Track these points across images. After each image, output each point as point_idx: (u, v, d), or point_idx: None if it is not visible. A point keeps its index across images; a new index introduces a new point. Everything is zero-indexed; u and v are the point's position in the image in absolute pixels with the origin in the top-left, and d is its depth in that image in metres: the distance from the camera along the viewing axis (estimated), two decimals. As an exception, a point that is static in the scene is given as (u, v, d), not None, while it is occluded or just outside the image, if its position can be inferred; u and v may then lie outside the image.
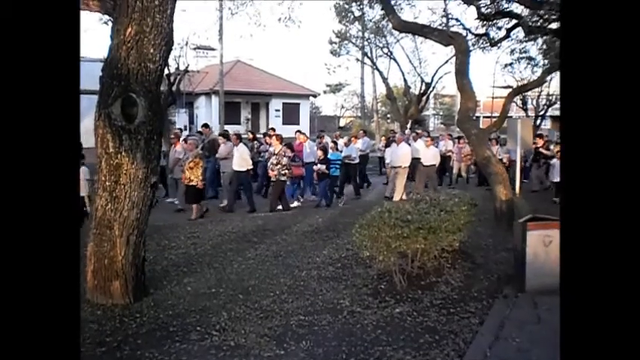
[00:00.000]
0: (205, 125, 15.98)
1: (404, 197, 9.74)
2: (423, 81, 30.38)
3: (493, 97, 37.03)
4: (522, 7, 14.28)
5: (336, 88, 50.86)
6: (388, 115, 47.45)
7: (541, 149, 15.64)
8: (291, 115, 38.41)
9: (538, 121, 35.42)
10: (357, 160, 15.42)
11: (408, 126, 26.61)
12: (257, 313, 5.82)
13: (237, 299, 6.25)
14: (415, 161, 15.22)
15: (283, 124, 34.17)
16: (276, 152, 12.60)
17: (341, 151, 15.34)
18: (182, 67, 23.21)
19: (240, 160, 12.65)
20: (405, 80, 30.50)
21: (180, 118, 30.54)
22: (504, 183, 10.48)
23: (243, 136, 15.12)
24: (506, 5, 15.40)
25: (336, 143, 15.10)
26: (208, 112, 35.91)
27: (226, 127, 26.93)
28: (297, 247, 8.78)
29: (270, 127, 18.32)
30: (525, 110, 35.90)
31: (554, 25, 14.98)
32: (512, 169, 13.86)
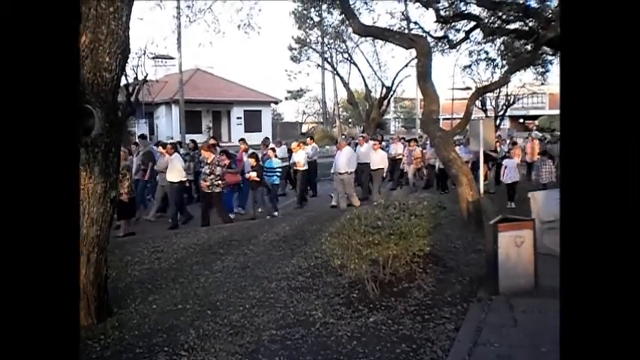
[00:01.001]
0: (142, 136, 15.64)
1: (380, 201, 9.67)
2: (383, 85, 30.51)
3: (453, 99, 37.51)
4: (481, 8, 14.41)
5: (297, 94, 50.79)
6: (350, 120, 47.60)
7: (488, 151, 15.48)
8: (252, 122, 38.18)
9: (498, 121, 36.05)
10: (305, 167, 15.05)
11: (362, 131, 26.63)
12: (227, 330, 5.62)
13: (206, 315, 6.03)
14: (363, 166, 15.00)
15: (245, 131, 33.88)
16: (209, 162, 11.95)
17: (283, 159, 15.20)
18: (140, 77, 22.77)
19: (174, 171, 12.12)
20: (365, 84, 30.59)
21: (139, 129, 29.97)
22: (470, 184, 10.48)
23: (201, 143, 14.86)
24: (464, 7, 15.55)
25: (274, 150, 14.47)
26: (169, 121, 35.42)
27: (188, 136, 26.55)
28: (264, 258, 8.59)
29: (240, 137, 17.83)
30: (485, 111, 36.45)
31: (512, 26, 15.18)
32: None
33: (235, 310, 6.19)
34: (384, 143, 20.04)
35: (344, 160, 13.84)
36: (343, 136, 21.55)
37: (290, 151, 16.13)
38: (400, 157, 17.81)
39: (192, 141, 16.72)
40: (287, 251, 8.93)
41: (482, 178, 13.63)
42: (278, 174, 13.40)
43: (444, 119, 46.44)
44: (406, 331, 5.34)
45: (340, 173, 13.85)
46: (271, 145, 15.66)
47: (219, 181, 11.73)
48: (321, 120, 50.21)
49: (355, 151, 15.38)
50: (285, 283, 7.09)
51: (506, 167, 13.98)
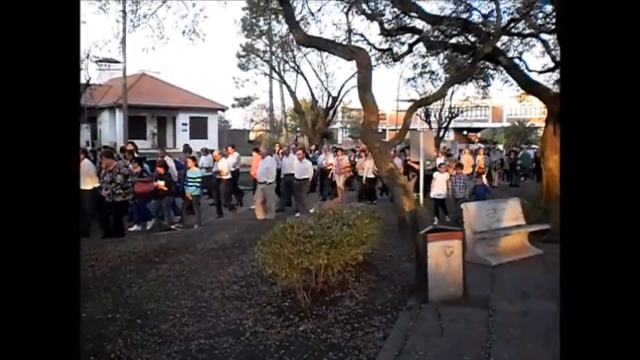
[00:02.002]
0: None
1: (311, 211, 9.68)
2: (329, 95, 30.81)
3: (398, 111, 38.13)
4: (424, 22, 14.72)
5: (244, 102, 50.52)
6: (298, 129, 47.69)
7: (410, 162, 15.70)
8: (198, 129, 37.70)
9: (441, 133, 36.84)
10: (229, 176, 14.61)
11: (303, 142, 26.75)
12: (155, 339, 5.55)
13: (135, 324, 5.93)
14: (288, 177, 14.79)
15: (191, 138, 33.42)
16: (110, 169, 11.19)
17: (206, 168, 14.97)
18: (83, 81, 22.24)
19: (84, 177, 11.06)
20: (312, 94, 30.81)
21: (82, 134, 29.19)
22: (408, 194, 10.67)
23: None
24: (408, 21, 15.85)
25: (195, 159, 13.78)
26: (112, 126, 34.63)
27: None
28: (201, 266, 8.51)
29: (184, 144, 17.52)
30: (429, 123, 37.18)
31: (454, 40, 15.57)
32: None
33: (165, 319, 6.11)
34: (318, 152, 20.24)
35: (263, 170, 13.56)
36: (295, 145, 21.39)
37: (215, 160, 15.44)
38: (330, 167, 17.66)
39: (122, 148, 16.31)
40: (224, 260, 8.87)
41: (422, 188, 13.89)
42: (197, 184, 12.99)
43: (390, 130, 47.24)
44: (335, 339, 5.38)
45: (260, 183, 13.60)
46: (199, 153, 15.60)
47: (121, 190, 11.16)
48: (269, 128, 50.10)
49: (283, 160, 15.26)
50: (219, 292, 7.05)
51: (435, 180, 13.50)
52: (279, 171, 15.12)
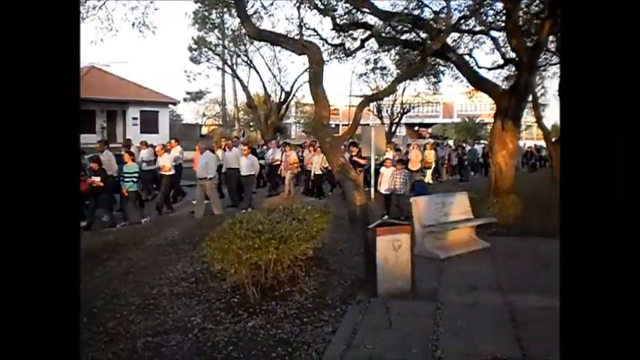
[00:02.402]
0: None
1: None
2: (282, 89, 30.74)
3: (350, 106, 38.30)
4: (376, 18, 14.79)
5: (196, 96, 49.78)
6: (251, 124, 47.40)
7: (355, 158, 15.72)
8: (149, 123, 36.97)
9: (393, 129, 37.21)
10: (172, 172, 13.93)
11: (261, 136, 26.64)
12: (101, 337, 5.43)
13: (80, 323, 5.76)
14: (231, 172, 14.48)
15: (141, 132, 32.81)
16: None
17: (147, 162, 14.66)
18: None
19: None
20: (264, 88, 30.66)
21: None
22: (359, 189, 10.74)
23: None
24: (360, 16, 15.91)
25: (132, 154, 13.12)
26: (58, 120, 33.54)
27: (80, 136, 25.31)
28: (149, 263, 8.36)
29: (127, 139, 16.96)
30: (381, 118, 37.51)
31: (405, 36, 15.71)
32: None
33: (112, 317, 5.98)
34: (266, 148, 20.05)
35: (202, 165, 13.17)
36: (237, 139, 20.98)
37: (157, 155, 14.68)
38: (277, 162, 17.61)
39: (105, 141, 15.60)
40: (173, 256, 8.74)
41: (373, 182, 14.00)
42: (134, 179, 12.45)
43: (343, 125, 47.39)
44: (284, 335, 5.36)
45: (200, 179, 13.15)
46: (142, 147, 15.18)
47: None
48: (221, 123, 49.61)
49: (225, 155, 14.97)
50: (168, 289, 6.94)
51: (383, 175, 13.33)
52: (221, 166, 14.80)
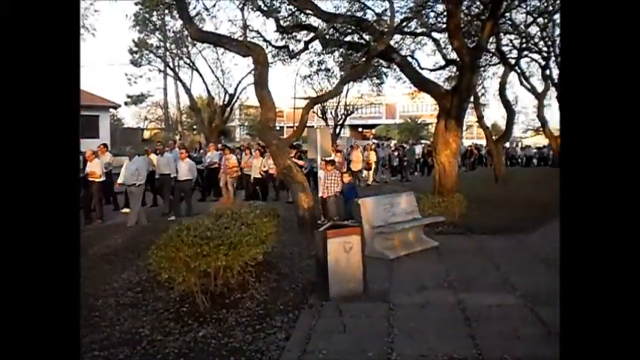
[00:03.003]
0: None
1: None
2: (226, 92, 30.37)
3: (295, 108, 38.26)
4: (319, 20, 14.78)
5: (138, 99, 48.57)
6: (194, 127, 46.69)
7: (294, 159, 15.56)
8: (89, 127, 35.69)
9: (337, 130, 37.41)
10: (103, 178, 13.09)
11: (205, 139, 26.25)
12: (42, 354, 5.12)
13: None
14: (164, 177, 13.80)
15: (82, 137, 31.65)
16: None
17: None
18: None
19: None
20: (208, 91, 30.22)
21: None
22: (305, 191, 10.66)
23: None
24: (304, 18, 15.88)
25: None
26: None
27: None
28: (93, 273, 8.01)
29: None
30: (325, 120, 37.63)
31: (349, 38, 15.76)
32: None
33: (53, 332, 5.68)
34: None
35: (132, 171, 12.44)
36: (173, 143, 20.29)
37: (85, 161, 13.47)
38: (216, 165, 17.05)
39: None
40: (118, 265, 8.43)
41: (319, 185, 13.93)
42: None
43: (288, 127, 47.31)
44: (236, 343, 5.21)
45: (128, 185, 12.55)
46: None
47: None
48: (164, 126, 48.65)
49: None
50: (113, 300, 6.67)
51: (320, 178, 12.95)
52: (153, 172, 14.18)
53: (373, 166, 22.54)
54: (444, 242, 9.63)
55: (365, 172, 21.49)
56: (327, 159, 12.79)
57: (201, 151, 20.36)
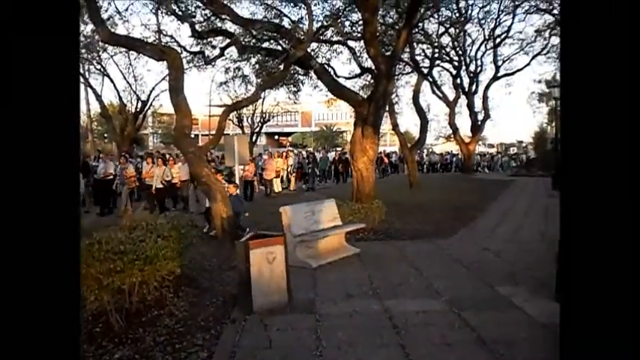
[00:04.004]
0: None
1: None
2: (139, 98, 29.40)
3: (210, 116, 37.62)
4: (236, 26, 14.51)
5: (43, 107, 46.17)
6: (106, 135, 44.93)
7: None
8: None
9: (254, 138, 37.11)
10: None
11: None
12: None
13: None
14: None
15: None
16: None
17: None
18: None
19: None
20: (120, 98, 29.09)
21: None
22: (224, 200, 10.36)
23: None
24: (219, 24, 15.54)
25: None
26: None
27: None
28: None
29: None
30: (242, 127, 37.25)
31: (266, 45, 15.57)
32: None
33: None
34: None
35: None
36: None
37: None
38: (110, 176, 16.15)
39: None
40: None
41: (238, 192, 13.64)
42: None
43: (202, 135, 46.50)
44: (154, 364, 4.87)
45: None
46: None
47: None
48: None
49: None
50: (16, 323, 6.10)
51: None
52: None
53: (281, 173, 22.41)
54: (366, 249, 9.60)
55: (275, 181, 21.29)
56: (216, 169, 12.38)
57: (100, 159, 18.81)
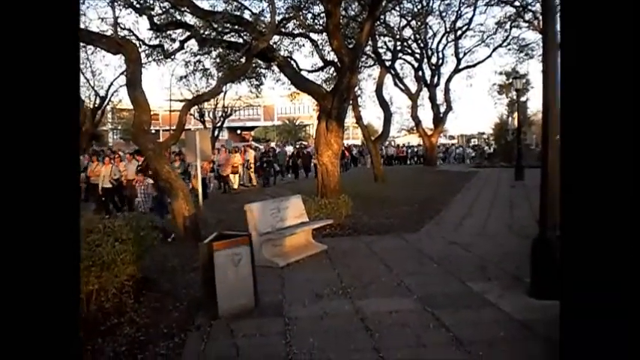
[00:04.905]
0: None
1: None
2: (97, 94, 28.66)
3: (170, 111, 36.90)
4: (196, 19, 14.10)
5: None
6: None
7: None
8: None
9: (216, 132, 36.56)
10: None
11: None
12: None
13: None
14: None
15: None
16: None
17: None
18: None
19: None
20: (76, 93, 28.24)
21: None
22: (186, 198, 10.01)
23: None
24: (179, 16, 15.08)
25: None
26: None
27: None
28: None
29: None
30: (203, 122, 36.64)
31: (226, 37, 15.18)
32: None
33: None
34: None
35: None
36: None
37: None
38: None
39: None
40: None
41: (200, 190, 13.32)
42: None
43: (163, 130, 45.66)
44: (114, 377, 4.56)
45: None
46: None
47: None
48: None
49: None
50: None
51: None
52: None
53: (239, 169, 22.01)
54: (333, 245, 9.40)
55: (232, 177, 20.89)
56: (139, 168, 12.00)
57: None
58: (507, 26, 28.75)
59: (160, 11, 15.01)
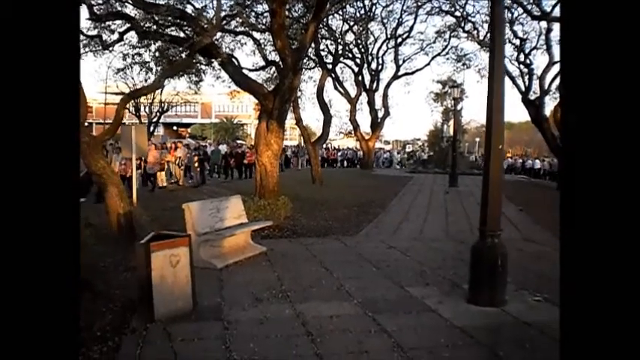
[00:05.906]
0: None
1: None
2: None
3: (106, 104, 35.78)
4: (137, 10, 13.70)
5: None
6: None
7: None
8: None
9: (152, 128, 35.75)
10: None
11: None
12: None
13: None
14: None
15: None
16: None
17: None
18: None
19: None
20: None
21: None
22: (121, 195, 9.68)
23: None
24: (119, 7, 14.62)
25: None
26: None
27: None
28: None
29: None
30: (139, 117, 35.77)
31: (168, 31, 14.83)
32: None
33: None
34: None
35: None
36: None
37: None
38: None
39: None
40: None
41: (135, 186, 12.95)
42: None
43: (97, 124, 44.25)
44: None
45: None
46: None
47: None
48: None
49: None
50: None
51: None
52: None
53: (166, 167, 21.50)
54: (273, 247, 9.31)
55: (159, 174, 20.39)
56: None
57: None
58: (447, 36, 29.46)
59: (100, 0, 14.53)
